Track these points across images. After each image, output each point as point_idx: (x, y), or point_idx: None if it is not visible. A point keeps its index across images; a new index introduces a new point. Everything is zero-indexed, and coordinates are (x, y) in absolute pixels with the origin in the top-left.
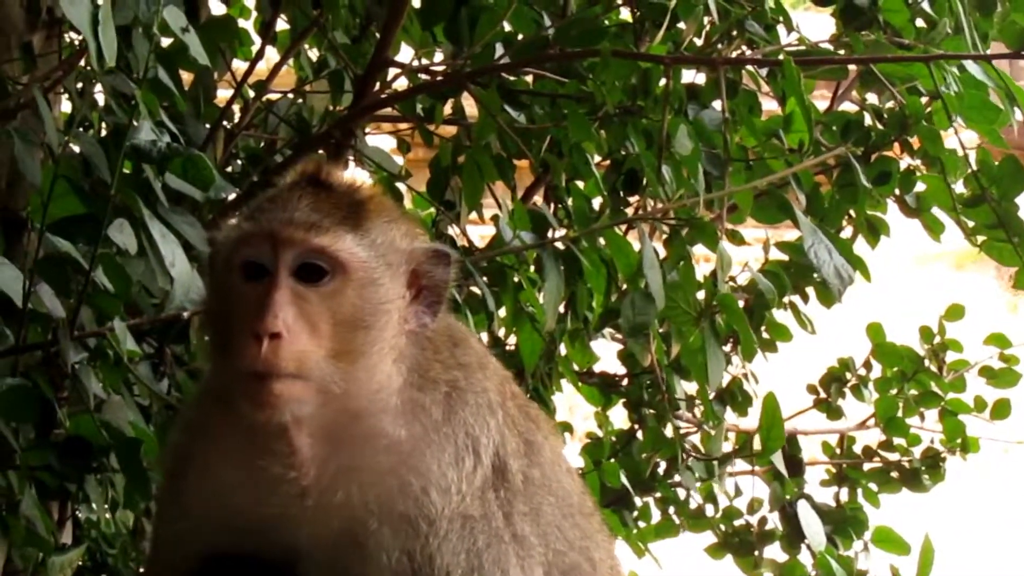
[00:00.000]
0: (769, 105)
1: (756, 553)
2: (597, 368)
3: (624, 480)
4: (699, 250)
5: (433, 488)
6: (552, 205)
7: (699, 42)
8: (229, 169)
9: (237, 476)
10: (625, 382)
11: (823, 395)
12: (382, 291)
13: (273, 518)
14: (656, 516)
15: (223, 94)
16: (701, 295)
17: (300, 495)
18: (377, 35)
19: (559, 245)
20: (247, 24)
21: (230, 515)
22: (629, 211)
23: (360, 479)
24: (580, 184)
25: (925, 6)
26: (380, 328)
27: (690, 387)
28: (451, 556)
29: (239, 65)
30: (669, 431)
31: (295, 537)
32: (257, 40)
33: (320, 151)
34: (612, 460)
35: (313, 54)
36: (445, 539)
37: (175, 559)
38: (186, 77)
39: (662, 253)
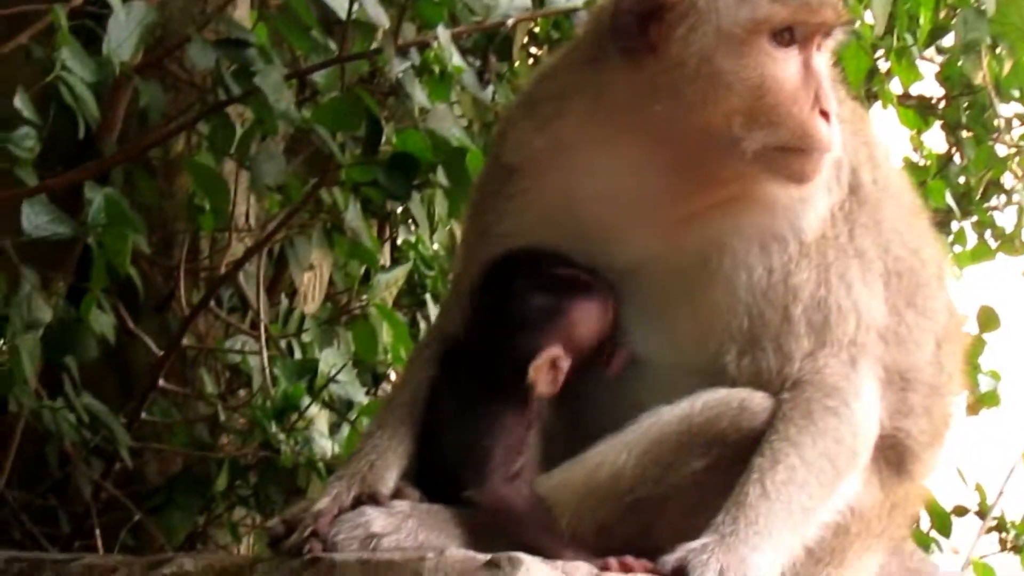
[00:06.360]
0: None
1: None
2: (913, 91)
3: (949, 200)
4: None
5: (812, 213)
6: None
7: None
8: None
9: (606, 191)
10: (942, 105)
11: None
12: None
13: (627, 236)
14: (972, 240)
15: None
16: None
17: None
18: None
19: None
20: None
21: (580, 224)
22: None
23: (749, 204)
24: None
25: None
26: None
27: (1008, 110)
28: (805, 272)
29: None
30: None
31: (640, 255)
32: None
33: None
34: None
35: None
36: (804, 257)
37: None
38: None
39: None
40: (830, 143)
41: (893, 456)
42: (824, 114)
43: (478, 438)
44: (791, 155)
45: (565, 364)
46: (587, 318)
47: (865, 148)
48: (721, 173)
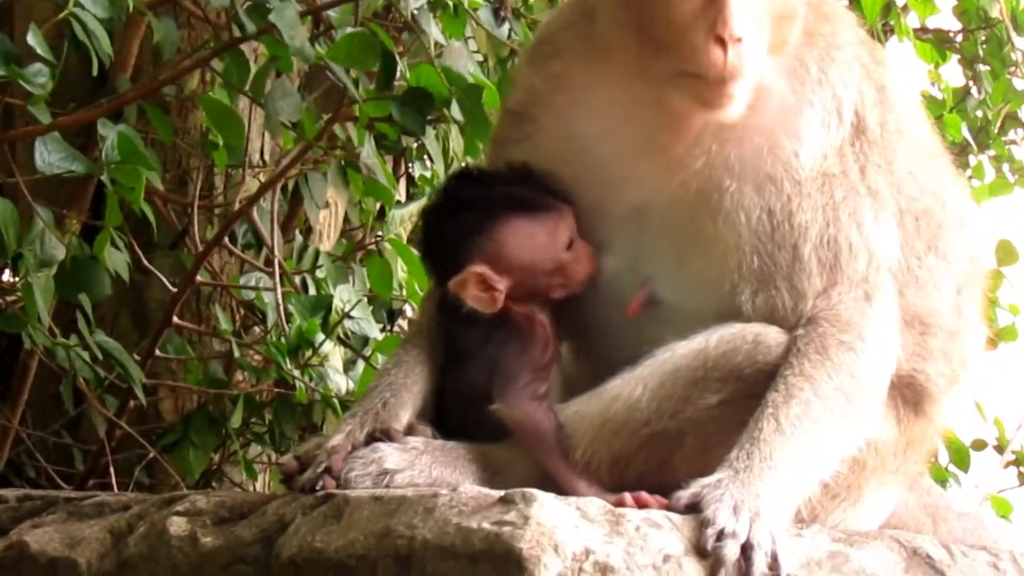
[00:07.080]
0: None
1: None
2: (930, 25)
3: (965, 133)
4: None
5: (804, 151)
6: None
7: None
8: None
9: (603, 131)
10: (959, 38)
11: None
12: None
13: (629, 176)
14: (990, 174)
15: None
16: None
17: (667, 154)
18: None
19: None
20: None
21: (584, 165)
22: None
23: (730, 137)
24: None
25: None
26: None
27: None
28: (810, 213)
29: None
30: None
31: (645, 194)
32: None
33: None
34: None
35: None
36: (807, 197)
37: None
38: None
39: None
40: (725, 70)
41: (910, 395)
42: (720, 40)
43: (500, 361)
44: (692, 81)
45: (502, 285)
46: (519, 238)
47: (874, 90)
48: (669, 101)
